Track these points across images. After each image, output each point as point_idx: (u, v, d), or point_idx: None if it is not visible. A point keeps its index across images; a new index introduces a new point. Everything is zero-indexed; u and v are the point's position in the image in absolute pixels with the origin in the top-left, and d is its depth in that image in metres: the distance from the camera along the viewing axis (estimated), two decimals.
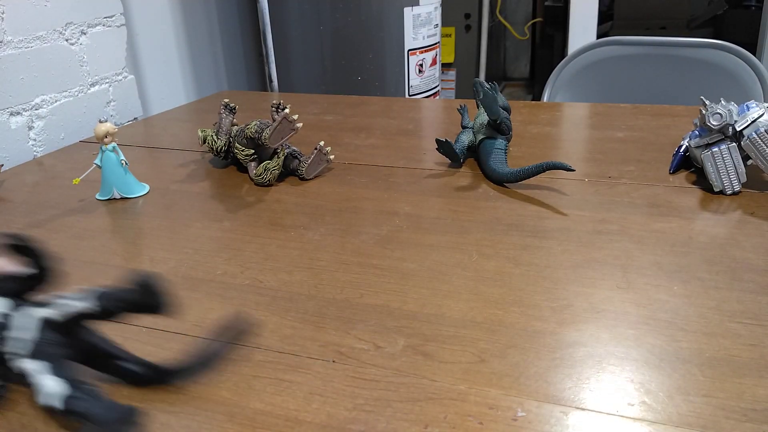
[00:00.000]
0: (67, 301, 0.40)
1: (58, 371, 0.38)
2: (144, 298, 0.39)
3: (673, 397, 0.40)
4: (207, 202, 0.75)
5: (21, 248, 0.40)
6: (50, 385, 0.38)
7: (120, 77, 1.24)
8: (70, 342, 0.40)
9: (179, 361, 0.44)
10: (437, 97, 1.77)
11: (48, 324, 0.39)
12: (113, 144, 0.76)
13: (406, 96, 1.63)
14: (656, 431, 0.37)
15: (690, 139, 0.74)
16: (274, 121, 0.78)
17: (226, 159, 0.87)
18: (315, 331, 0.48)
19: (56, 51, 1.08)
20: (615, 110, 1.06)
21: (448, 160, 0.85)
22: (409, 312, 0.50)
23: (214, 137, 0.85)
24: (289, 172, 0.82)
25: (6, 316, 0.39)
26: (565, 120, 1.02)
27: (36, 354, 0.39)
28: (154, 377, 0.43)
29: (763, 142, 0.67)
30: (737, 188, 0.69)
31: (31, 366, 0.38)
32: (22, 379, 0.39)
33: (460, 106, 0.93)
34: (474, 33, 3.01)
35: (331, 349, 0.46)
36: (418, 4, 1.54)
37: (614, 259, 0.57)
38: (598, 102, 1.16)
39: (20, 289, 0.41)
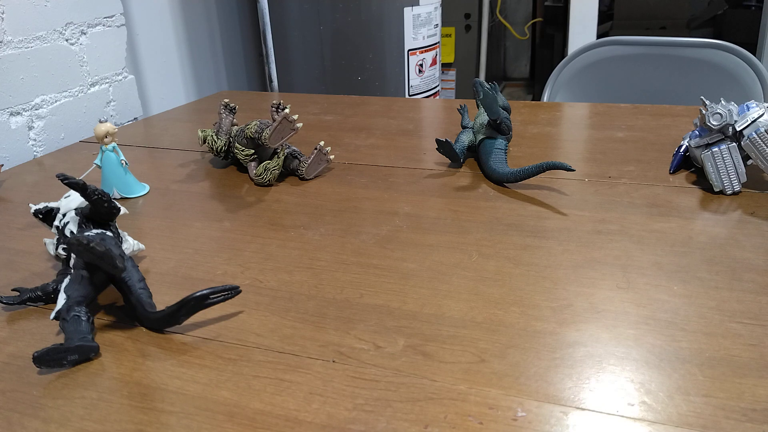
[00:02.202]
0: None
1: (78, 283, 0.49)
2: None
3: (673, 397, 0.40)
4: (207, 202, 0.75)
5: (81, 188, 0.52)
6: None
7: (120, 77, 1.24)
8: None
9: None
10: (437, 97, 1.77)
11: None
12: (113, 144, 0.76)
13: (406, 96, 1.63)
14: (656, 431, 0.37)
15: (690, 139, 0.74)
16: (274, 121, 0.78)
17: (226, 159, 0.87)
18: (315, 331, 0.48)
19: (56, 51, 1.08)
20: (615, 110, 1.06)
21: (448, 160, 0.85)
22: (409, 312, 0.50)
23: (214, 137, 0.85)
24: (289, 172, 0.82)
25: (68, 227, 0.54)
26: (565, 120, 1.02)
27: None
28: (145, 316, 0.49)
29: (763, 142, 0.67)
30: (737, 188, 0.69)
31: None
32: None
33: (460, 106, 0.93)
34: (474, 33, 3.01)
35: (331, 349, 0.46)
36: (418, 4, 1.54)
37: (614, 259, 0.57)
38: (598, 102, 1.16)
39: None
